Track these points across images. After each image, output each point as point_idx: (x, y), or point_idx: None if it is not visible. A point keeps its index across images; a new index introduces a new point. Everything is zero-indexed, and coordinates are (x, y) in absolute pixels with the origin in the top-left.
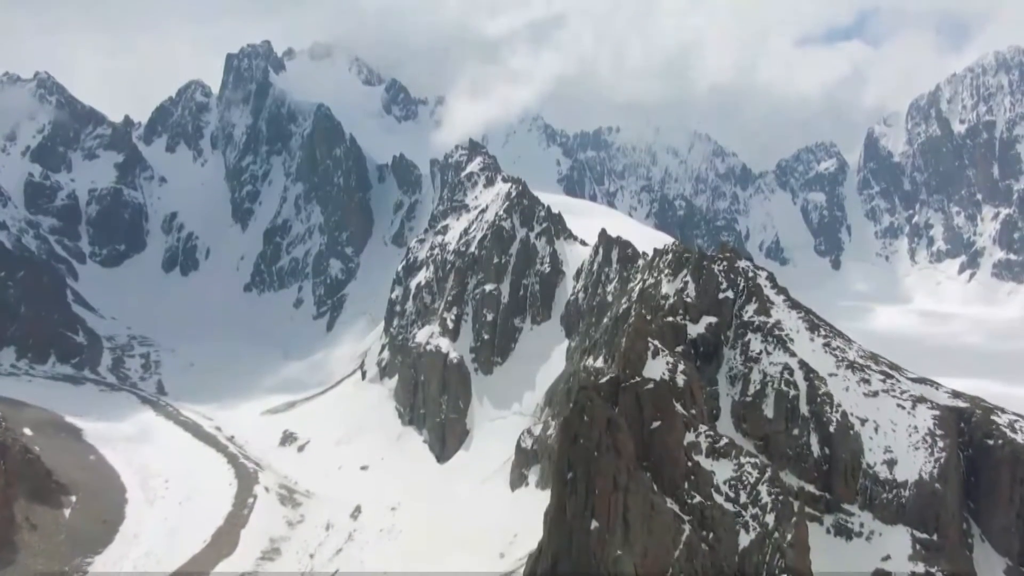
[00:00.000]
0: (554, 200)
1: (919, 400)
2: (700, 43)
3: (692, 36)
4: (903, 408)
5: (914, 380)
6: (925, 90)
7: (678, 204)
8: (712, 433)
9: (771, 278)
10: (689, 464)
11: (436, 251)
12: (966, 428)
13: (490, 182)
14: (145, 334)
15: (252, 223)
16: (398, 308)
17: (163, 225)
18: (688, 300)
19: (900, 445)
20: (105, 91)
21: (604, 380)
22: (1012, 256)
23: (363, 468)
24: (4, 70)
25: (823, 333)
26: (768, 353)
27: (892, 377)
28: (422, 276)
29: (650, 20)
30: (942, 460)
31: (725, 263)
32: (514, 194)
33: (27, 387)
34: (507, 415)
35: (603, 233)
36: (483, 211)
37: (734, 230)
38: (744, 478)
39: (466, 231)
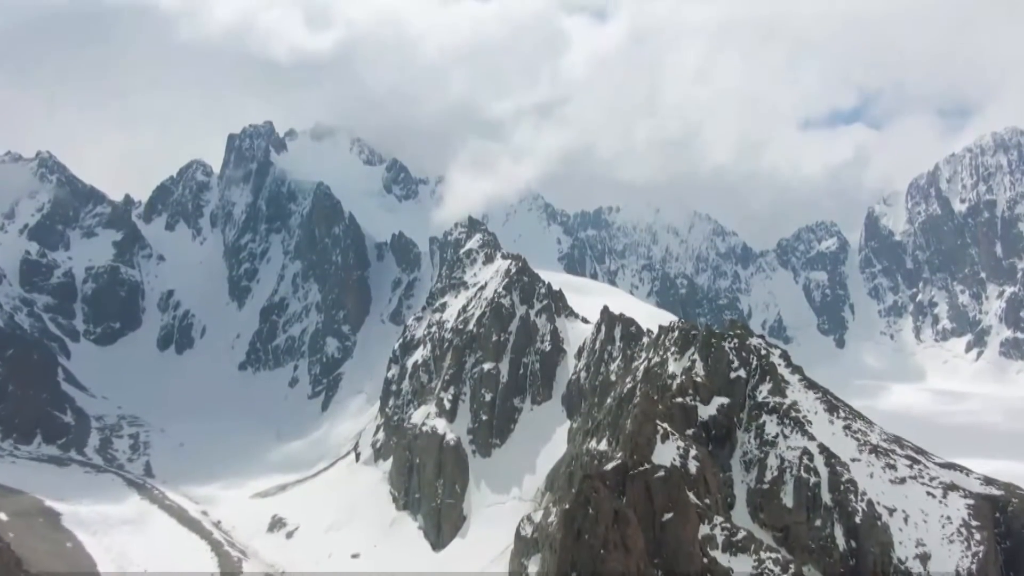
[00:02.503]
0: (555, 278)
1: (950, 488)
2: (703, 125)
3: (695, 118)
4: (934, 496)
5: (942, 465)
6: (924, 170)
7: (680, 282)
8: (728, 525)
9: (785, 356)
10: (705, 560)
11: (433, 329)
12: (1002, 518)
13: (489, 259)
14: (136, 414)
15: (249, 301)
16: (394, 387)
17: (159, 303)
18: (697, 380)
19: (933, 537)
20: (107, 171)
21: (610, 467)
22: (1020, 335)
23: (354, 556)
24: (6, 149)
25: (842, 415)
26: (785, 436)
27: (919, 462)
28: (419, 355)
29: (653, 103)
30: (980, 554)
31: (736, 340)
32: (513, 271)
33: (9, 469)
34: (506, 500)
35: (605, 310)
36: (482, 288)
37: (736, 309)
38: (765, 575)
39: (464, 308)
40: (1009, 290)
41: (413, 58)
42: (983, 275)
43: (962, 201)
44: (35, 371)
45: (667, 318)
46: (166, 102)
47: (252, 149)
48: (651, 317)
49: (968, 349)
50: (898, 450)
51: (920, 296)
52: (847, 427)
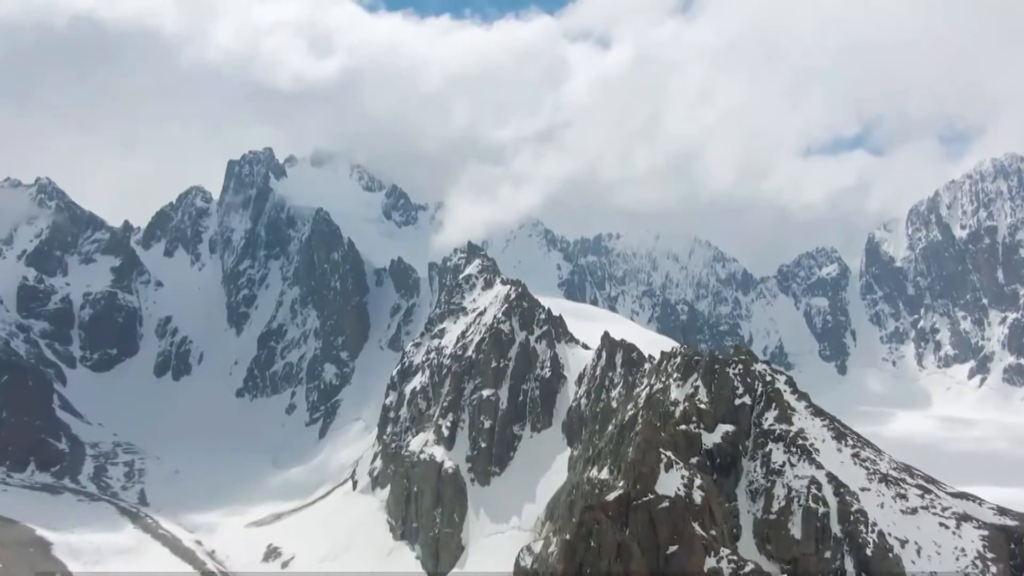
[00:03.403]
0: (555, 304)
1: (963, 518)
2: (704, 151)
3: (697, 144)
4: (947, 527)
5: (954, 495)
6: (923, 196)
7: (680, 309)
8: (735, 557)
9: (790, 382)
10: None
11: (432, 355)
12: (1017, 550)
13: (488, 284)
14: (131, 441)
15: (247, 327)
16: (392, 414)
17: (157, 329)
18: (701, 406)
19: (947, 570)
20: (107, 197)
21: (612, 497)
22: (1023, 361)
23: None
24: (6, 175)
25: (850, 442)
26: (792, 465)
27: (930, 492)
28: (417, 381)
29: (654, 129)
30: None
31: (740, 366)
32: (513, 296)
33: (1, 497)
34: (505, 529)
35: (606, 336)
36: (481, 314)
37: (737, 335)
38: None
39: (463, 334)
40: (1012, 316)
41: (415, 85)
42: (985, 301)
43: (962, 227)
44: (30, 398)
45: (668, 344)
46: (167, 128)
47: (252, 175)
48: (652, 343)
49: (971, 375)
50: (908, 479)
51: (922, 322)
52: (856, 455)
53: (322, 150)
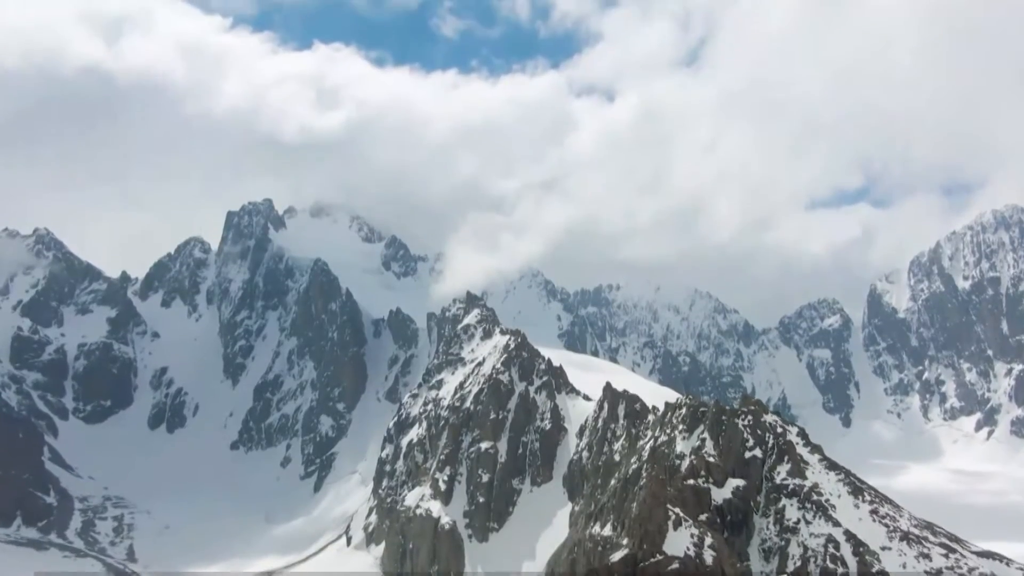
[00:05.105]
0: (555, 355)
1: None
2: (707, 203)
3: (700, 196)
4: None
5: (979, 554)
6: (926, 247)
7: (682, 360)
8: None
9: (803, 434)
10: None
11: (429, 407)
12: None
13: (487, 334)
14: (121, 494)
15: (244, 378)
16: (388, 468)
17: (152, 380)
18: (710, 460)
19: None
20: (107, 249)
21: (618, 558)
22: None
23: None
24: (3, 226)
25: (868, 498)
26: (807, 522)
27: (955, 551)
28: (414, 433)
29: (657, 181)
30: None
31: (750, 417)
32: (512, 346)
33: None
34: None
35: (608, 387)
36: (480, 364)
37: (740, 387)
38: None
39: (461, 385)
40: (1017, 368)
41: (420, 138)
42: (990, 352)
43: (965, 278)
44: (19, 450)
45: (671, 396)
46: (169, 180)
47: (251, 226)
48: (654, 395)
49: (978, 428)
50: (931, 537)
51: (926, 374)
52: (874, 511)
53: (322, 201)
